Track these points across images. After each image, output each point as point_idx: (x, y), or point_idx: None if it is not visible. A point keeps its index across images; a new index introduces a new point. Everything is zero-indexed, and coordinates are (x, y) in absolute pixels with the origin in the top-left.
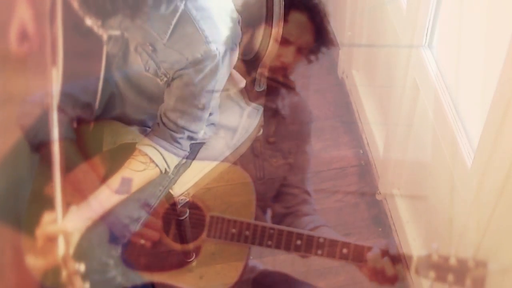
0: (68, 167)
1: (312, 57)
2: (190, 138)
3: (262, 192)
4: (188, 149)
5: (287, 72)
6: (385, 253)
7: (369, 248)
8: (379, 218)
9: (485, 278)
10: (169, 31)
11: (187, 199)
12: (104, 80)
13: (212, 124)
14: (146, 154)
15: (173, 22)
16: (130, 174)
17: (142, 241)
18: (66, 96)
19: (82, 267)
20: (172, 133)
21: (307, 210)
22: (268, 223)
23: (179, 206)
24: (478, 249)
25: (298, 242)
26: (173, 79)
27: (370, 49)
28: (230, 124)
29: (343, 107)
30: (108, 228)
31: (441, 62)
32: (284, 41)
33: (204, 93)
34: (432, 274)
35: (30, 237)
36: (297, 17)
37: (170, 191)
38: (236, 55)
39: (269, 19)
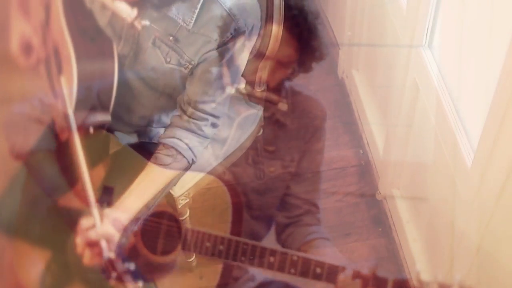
0: (43, 179)
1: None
2: (213, 125)
3: (264, 201)
4: (211, 137)
5: (272, 87)
6: (356, 275)
7: (343, 269)
8: (379, 218)
9: None
10: (195, 16)
11: (188, 200)
12: (87, 91)
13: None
14: (172, 147)
15: (198, 6)
16: (157, 169)
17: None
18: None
19: (132, 265)
20: (197, 121)
21: (310, 220)
22: (243, 238)
23: (179, 207)
24: (478, 248)
25: (271, 259)
26: (198, 64)
27: (370, 49)
28: (219, 136)
29: (343, 107)
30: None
31: (441, 62)
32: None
33: (230, 72)
34: None
35: (26, 245)
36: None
37: (171, 191)
38: (258, 30)
39: (269, 17)
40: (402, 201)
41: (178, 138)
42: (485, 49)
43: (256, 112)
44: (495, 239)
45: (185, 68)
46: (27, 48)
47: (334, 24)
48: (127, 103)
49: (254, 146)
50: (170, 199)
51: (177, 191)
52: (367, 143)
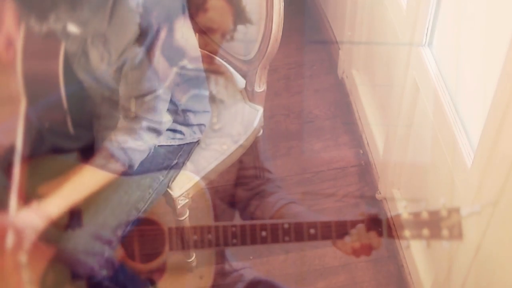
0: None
1: (229, 36)
2: (151, 129)
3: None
4: (152, 143)
5: (214, 59)
6: (353, 224)
7: (336, 223)
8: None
9: (461, 224)
10: (108, 17)
11: (187, 200)
12: (28, 121)
13: (202, 124)
14: (108, 149)
15: (109, 6)
16: (92, 170)
17: None
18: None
19: (23, 258)
20: (131, 124)
21: (271, 189)
22: (229, 222)
23: (178, 207)
24: (478, 248)
25: (263, 233)
26: (123, 64)
27: (370, 49)
28: (218, 140)
29: (343, 107)
30: (94, 232)
31: (441, 61)
32: (208, 29)
33: (154, 71)
34: (407, 233)
35: None
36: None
37: (170, 192)
38: (182, 23)
39: (269, 19)
40: (402, 201)
41: (114, 141)
42: (485, 48)
43: (255, 113)
44: (495, 239)
45: (112, 68)
46: (8, 43)
47: (334, 24)
48: (83, 104)
49: (253, 146)
50: (169, 199)
51: (176, 192)
52: (367, 143)
